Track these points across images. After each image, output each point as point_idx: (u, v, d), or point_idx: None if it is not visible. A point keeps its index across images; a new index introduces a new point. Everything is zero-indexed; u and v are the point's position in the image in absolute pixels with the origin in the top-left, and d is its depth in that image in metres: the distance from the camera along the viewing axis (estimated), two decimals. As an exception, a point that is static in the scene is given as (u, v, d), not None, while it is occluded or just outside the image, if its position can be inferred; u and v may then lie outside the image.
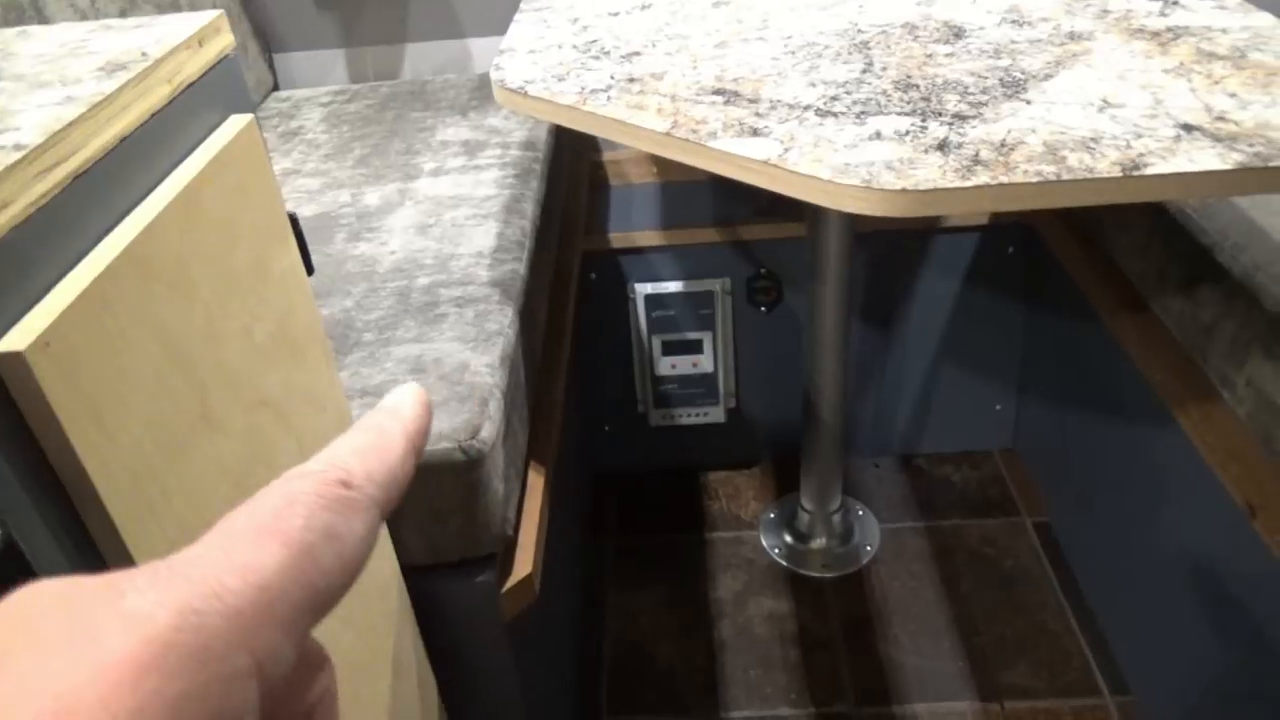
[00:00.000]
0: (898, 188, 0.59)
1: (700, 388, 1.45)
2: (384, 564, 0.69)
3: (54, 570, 0.35)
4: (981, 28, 0.86)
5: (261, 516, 0.17)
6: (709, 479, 1.54)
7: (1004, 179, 0.59)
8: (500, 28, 1.49)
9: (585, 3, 1.04)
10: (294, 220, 0.56)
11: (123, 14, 1.10)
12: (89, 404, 0.37)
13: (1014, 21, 0.86)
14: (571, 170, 1.49)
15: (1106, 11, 0.87)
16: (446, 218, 1.04)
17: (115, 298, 0.39)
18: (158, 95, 0.45)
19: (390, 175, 1.15)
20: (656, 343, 1.42)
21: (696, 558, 1.40)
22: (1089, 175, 0.59)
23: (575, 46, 0.90)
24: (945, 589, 1.32)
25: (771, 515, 1.45)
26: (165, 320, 0.42)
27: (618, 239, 1.39)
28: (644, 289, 1.39)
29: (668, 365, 1.44)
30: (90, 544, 0.38)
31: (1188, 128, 0.64)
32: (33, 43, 0.50)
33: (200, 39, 0.50)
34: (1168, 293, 0.98)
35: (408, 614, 0.73)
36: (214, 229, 0.47)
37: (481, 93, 1.40)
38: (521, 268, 0.96)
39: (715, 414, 1.47)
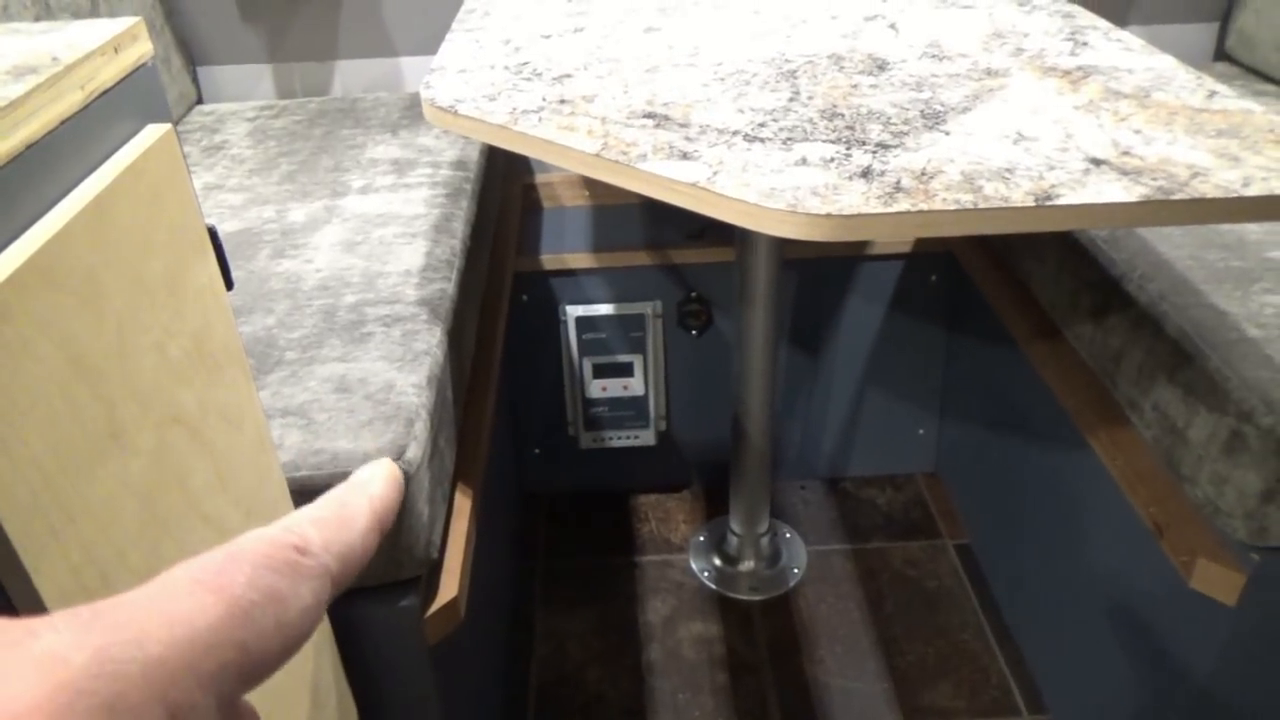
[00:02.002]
0: (823, 212, 0.61)
1: (631, 410, 1.45)
2: (303, 588, 0.67)
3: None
4: (904, 61, 0.88)
5: (202, 570, 0.16)
6: (639, 502, 1.53)
7: (924, 206, 0.61)
8: (433, 47, 1.48)
9: (517, 25, 1.05)
10: (213, 234, 0.55)
11: (37, 19, 1.07)
12: (-14, 418, 0.35)
13: (934, 56, 0.89)
14: (503, 191, 1.49)
15: (1021, 50, 0.90)
16: (374, 236, 1.02)
17: (18, 308, 0.37)
18: (70, 101, 0.44)
19: (317, 192, 1.13)
20: (587, 365, 1.42)
21: (626, 581, 1.40)
22: (1004, 204, 0.61)
23: (507, 67, 0.90)
24: (870, 611, 1.34)
25: (701, 538, 1.45)
26: (73, 333, 0.41)
27: (549, 261, 1.38)
28: (575, 311, 1.39)
29: (598, 388, 1.43)
30: (-16, 566, 0.36)
31: (1096, 161, 0.67)
32: (-64, 44, 0.48)
33: (116, 45, 0.49)
34: (1079, 320, 1.02)
35: (327, 638, 0.71)
36: (127, 240, 0.46)
37: (413, 111, 1.39)
38: (450, 287, 0.95)
39: (646, 437, 1.47)
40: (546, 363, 1.44)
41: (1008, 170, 0.65)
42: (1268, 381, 0.77)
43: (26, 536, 0.37)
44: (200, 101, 1.48)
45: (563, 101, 0.81)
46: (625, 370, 1.43)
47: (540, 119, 0.78)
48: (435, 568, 0.80)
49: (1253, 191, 0.61)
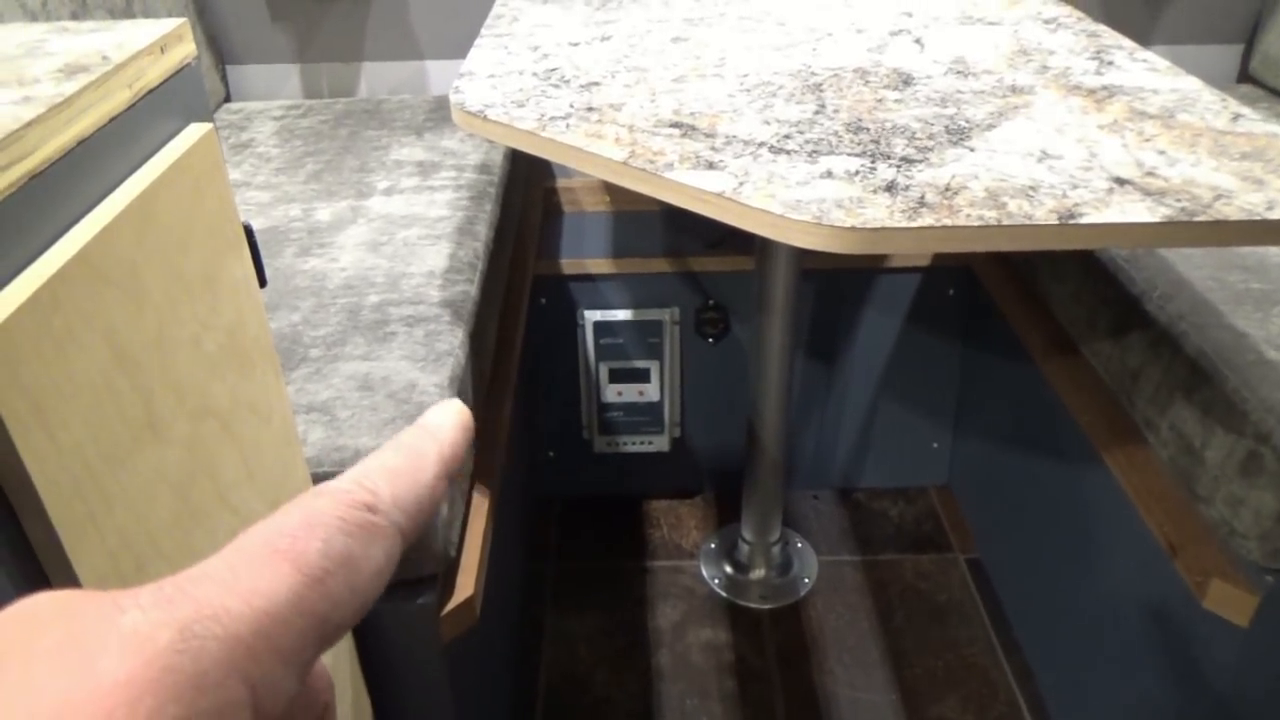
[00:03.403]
0: (847, 225, 0.61)
1: (645, 416, 1.46)
2: (323, 582, 0.68)
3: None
4: (929, 77, 0.89)
5: (278, 537, 0.16)
6: (651, 507, 1.54)
7: (948, 221, 0.61)
8: (458, 51, 1.50)
9: (545, 32, 1.06)
10: (249, 231, 0.56)
11: (74, 17, 1.08)
12: (33, 405, 0.36)
13: (959, 72, 0.90)
14: (525, 195, 1.50)
15: (1046, 68, 0.91)
16: (399, 237, 1.04)
17: (66, 300, 0.38)
18: (118, 100, 0.45)
19: (343, 192, 1.14)
20: (604, 370, 1.43)
21: (636, 585, 1.40)
22: (1028, 221, 0.62)
23: (535, 74, 0.91)
24: (879, 622, 1.34)
25: (712, 545, 1.46)
26: (115, 325, 0.42)
27: (569, 265, 1.39)
28: (593, 316, 1.40)
29: (614, 393, 1.44)
30: (29, 550, 0.37)
31: (1120, 181, 0.67)
32: (-12, 40, 0.49)
33: (163, 46, 0.50)
34: (1097, 338, 1.02)
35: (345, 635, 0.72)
36: (168, 236, 0.47)
37: (438, 114, 1.40)
38: (473, 289, 0.96)
39: (660, 443, 1.48)
40: (563, 366, 1.44)
41: (1031, 188, 0.66)
42: (1286, 404, 0.77)
43: (67, 521, 0.38)
44: (228, 99, 1.50)
45: (590, 109, 0.82)
46: (641, 376, 1.43)
47: (568, 126, 0.78)
48: (452, 566, 0.81)
49: (1276, 215, 0.62)
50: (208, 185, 0.51)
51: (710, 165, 0.70)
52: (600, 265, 1.39)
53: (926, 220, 0.62)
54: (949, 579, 1.41)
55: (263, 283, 0.58)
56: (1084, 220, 0.62)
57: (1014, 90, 0.85)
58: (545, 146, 0.78)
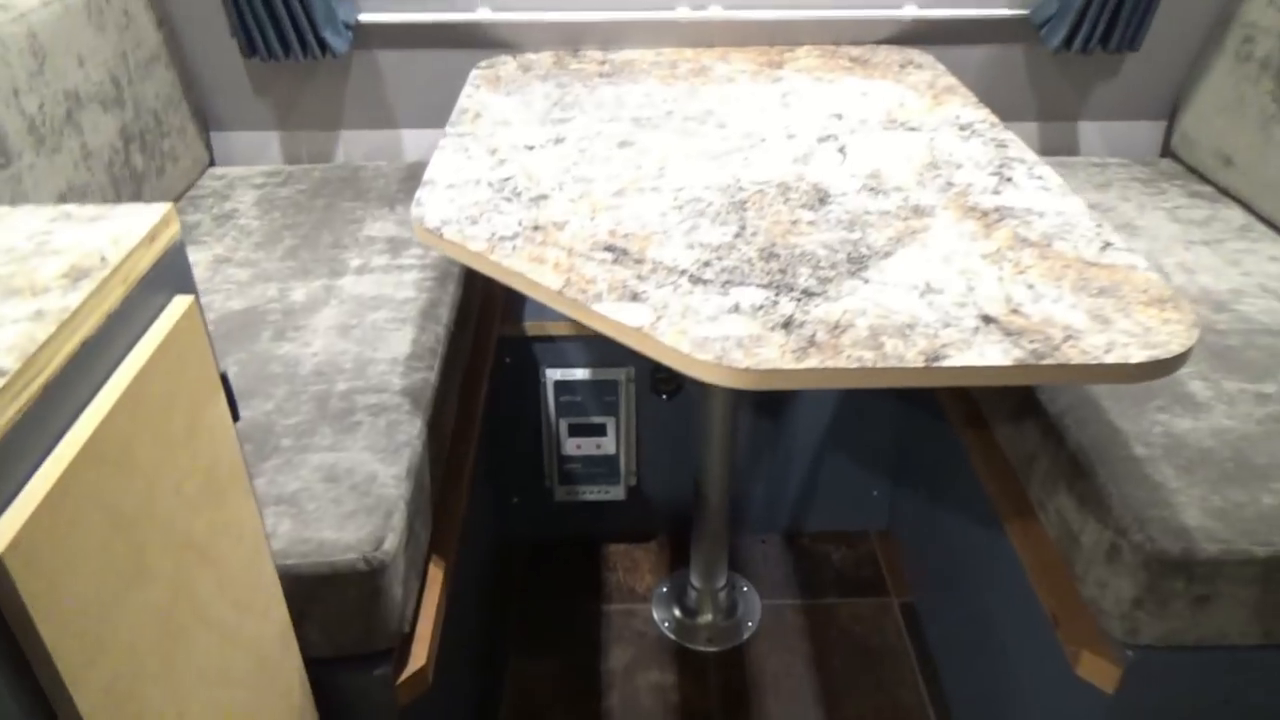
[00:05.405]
0: (742, 367, 0.71)
1: (603, 467, 1.55)
2: (288, 661, 0.78)
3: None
4: (844, 194, 0.99)
5: None
6: (608, 551, 1.64)
7: (830, 364, 0.71)
8: (429, 120, 1.59)
9: (504, 131, 1.15)
10: (224, 378, 0.65)
11: (68, 115, 1.17)
12: (47, 580, 0.45)
13: (872, 189, 1.00)
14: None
15: (951, 184, 1.01)
16: (368, 320, 1.13)
17: (74, 489, 0.47)
18: (115, 297, 0.54)
19: (318, 270, 1.23)
20: (564, 424, 1.53)
21: (593, 628, 1.50)
22: (899, 364, 0.72)
23: (490, 184, 1.01)
24: (816, 664, 1.44)
25: (664, 589, 1.56)
26: (112, 498, 0.51)
27: (532, 327, 1.49)
28: (554, 375, 1.49)
29: (573, 445, 1.54)
30: (39, 690, 0.47)
31: (987, 319, 0.77)
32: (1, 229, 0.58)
33: (153, 235, 0.59)
34: (1001, 420, 1.12)
35: (308, 702, 0.82)
36: (157, 408, 0.56)
37: (409, 184, 1.49)
38: (433, 376, 1.05)
39: (616, 492, 1.57)
40: (527, 420, 1.54)
41: (909, 325, 0.76)
42: (1143, 501, 0.87)
43: (68, 667, 0.47)
44: (212, 164, 1.58)
45: (536, 228, 0.92)
46: (599, 430, 1.53)
47: (514, 248, 0.88)
48: (407, 639, 0.90)
49: (1110, 359, 0.72)
50: (190, 351, 0.60)
51: (634, 296, 0.80)
52: (560, 327, 1.48)
53: (812, 362, 0.71)
54: (883, 623, 1.51)
55: (236, 418, 0.67)
56: (946, 363, 0.72)
57: (916, 212, 0.95)
58: (494, 269, 0.87)
